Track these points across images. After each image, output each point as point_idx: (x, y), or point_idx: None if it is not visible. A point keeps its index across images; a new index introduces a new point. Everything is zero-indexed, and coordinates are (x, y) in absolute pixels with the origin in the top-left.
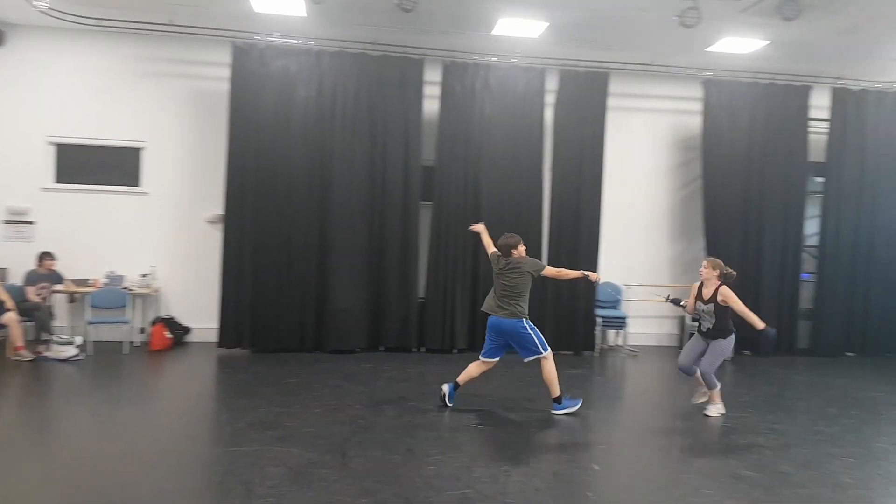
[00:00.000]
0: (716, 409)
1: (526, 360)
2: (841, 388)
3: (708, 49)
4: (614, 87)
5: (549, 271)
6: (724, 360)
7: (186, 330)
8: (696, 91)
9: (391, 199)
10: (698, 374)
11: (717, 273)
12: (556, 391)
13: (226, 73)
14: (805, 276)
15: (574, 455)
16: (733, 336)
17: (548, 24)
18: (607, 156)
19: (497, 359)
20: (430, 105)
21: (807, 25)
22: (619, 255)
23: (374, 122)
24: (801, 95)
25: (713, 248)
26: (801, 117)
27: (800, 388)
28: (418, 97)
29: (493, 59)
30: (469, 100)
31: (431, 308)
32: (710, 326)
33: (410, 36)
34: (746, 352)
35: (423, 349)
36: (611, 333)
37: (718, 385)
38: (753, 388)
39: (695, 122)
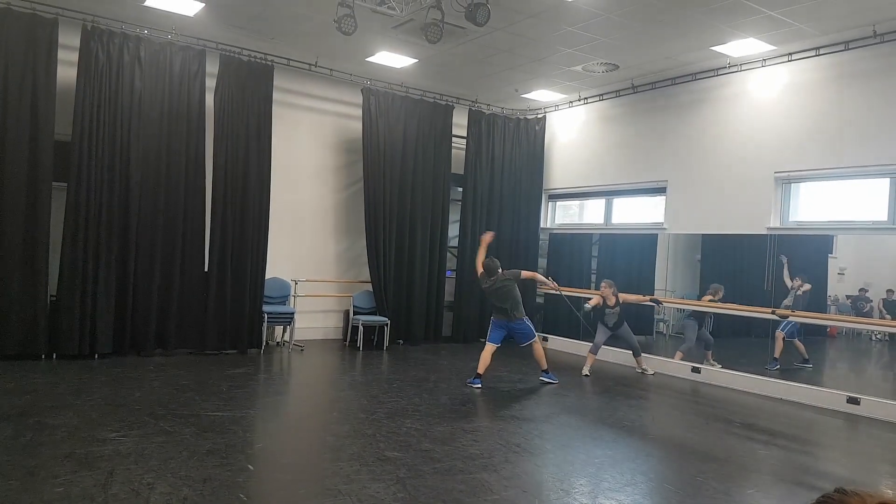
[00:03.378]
0: (645, 364)
1: (522, 345)
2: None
3: (368, 59)
4: (279, 81)
5: (525, 274)
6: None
7: None
8: (357, 97)
9: (13, 176)
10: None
11: (612, 290)
12: (544, 365)
13: None
14: (449, 273)
15: (228, 458)
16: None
17: (203, 4)
18: (274, 150)
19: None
20: (66, 73)
21: (448, 51)
22: (286, 250)
23: None
24: (445, 113)
25: (373, 247)
26: (446, 132)
27: (443, 372)
28: (51, 62)
29: (144, 31)
30: (116, 71)
31: (66, 308)
32: (616, 321)
33: None
34: (400, 341)
35: (55, 356)
36: (278, 329)
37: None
38: (405, 373)
39: (356, 127)
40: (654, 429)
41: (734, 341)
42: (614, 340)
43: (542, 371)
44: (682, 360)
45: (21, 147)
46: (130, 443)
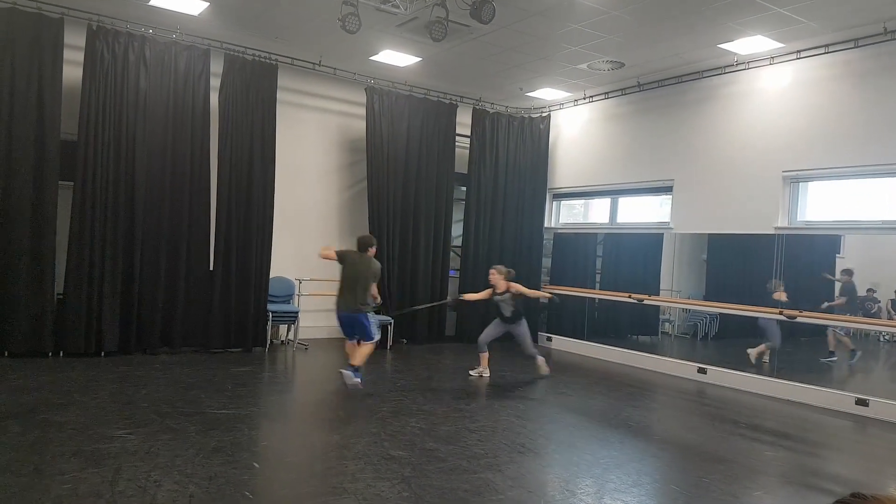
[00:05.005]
0: (546, 367)
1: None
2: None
3: (371, 58)
4: (283, 81)
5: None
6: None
7: None
8: (361, 96)
9: (20, 175)
10: (485, 352)
11: (502, 276)
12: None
13: None
14: (452, 273)
15: (234, 456)
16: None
17: (208, 3)
18: (278, 149)
19: None
20: (72, 72)
21: (452, 49)
22: (291, 249)
23: None
24: (449, 112)
25: (378, 246)
26: (450, 132)
27: (446, 372)
28: (57, 61)
29: (149, 30)
30: (121, 71)
31: (73, 306)
32: (513, 313)
33: None
34: (404, 340)
35: (62, 353)
36: (283, 328)
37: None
38: (408, 374)
39: (360, 126)
40: (659, 430)
41: (740, 342)
42: (508, 340)
43: (351, 366)
44: (759, 356)
45: (28, 146)
46: (137, 440)
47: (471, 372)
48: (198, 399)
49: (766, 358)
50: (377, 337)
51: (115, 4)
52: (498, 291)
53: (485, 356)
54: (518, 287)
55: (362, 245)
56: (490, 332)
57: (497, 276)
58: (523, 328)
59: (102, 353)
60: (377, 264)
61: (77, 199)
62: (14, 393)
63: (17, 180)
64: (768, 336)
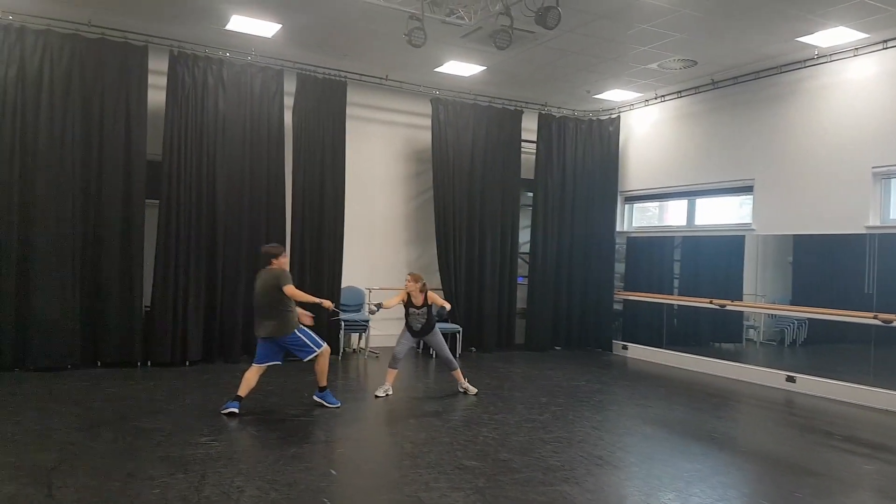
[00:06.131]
0: (467, 383)
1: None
2: (549, 379)
3: (436, 69)
4: (352, 96)
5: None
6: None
7: None
8: (427, 108)
9: (109, 196)
10: (397, 369)
11: (419, 286)
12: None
13: None
14: (520, 280)
15: (312, 463)
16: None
17: (281, 25)
18: (348, 163)
19: None
20: (156, 96)
21: (517, 56)
22: (361, 260)
23: (89, 110)
24: (514, 118)
25: (444, 254)
26: (515, 138)
27: (517, 380)
28: (142, 86)
29: (226, 54)
30: (200, 94)
31: (159, 317)
32: (424, 325)
33: (130, 20)
34: (473, 349)
35: (149, 363)
36: (354, 337)
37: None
38: (478, 382)
39: (426, 137)
40: (746, 441)
41: (830, 349)
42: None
43: (318, 388)
44: None
45: (117, 167)
46: (221, 446)
47: (380, 392)
48: (276, 406)
49: None
50: (318, 350)
51: (194, 30)
52: (415, 305)
53: (393, 373)
54: (434, 297)
55: (263, 259)
56: (403, 348)
57: (413, 286)
58: (437, 337)
59: (187, 363)
60: (274, 273)
61: (162, 216)
62: (106, 401)
63: (108, 200)
64: None
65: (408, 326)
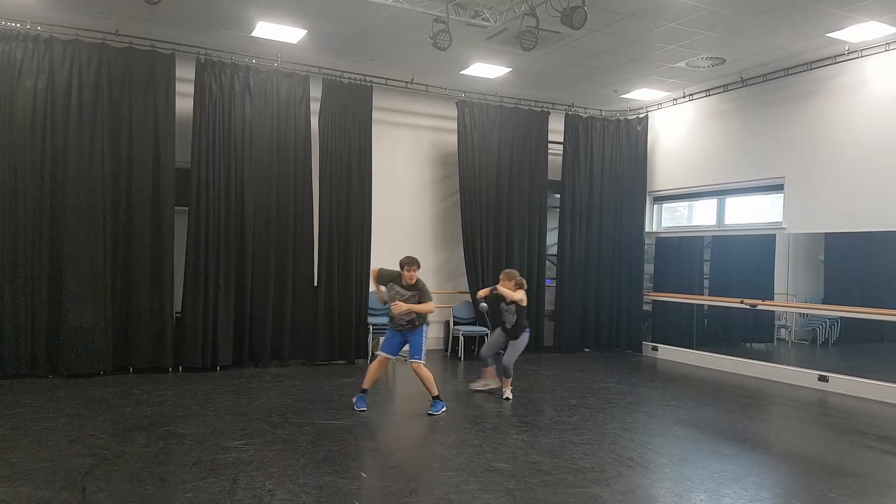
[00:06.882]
0: (509, 392)
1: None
2: (579, 381)
3: (462, 72)
4: (378, 101)
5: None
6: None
7: None
8: (452, 110)
9: (139, 202)
10: (491, 366)
11: (512, 283)
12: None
13: None
14: (548, 282)
15: (342, 465)
16: (528, 332)
17: (306, 31)
18: (374, 167)
19: None
20: (184, 103)
21: (543, 57)
22: (388, 263)
23: (118, 119)
24: (541, 120)
25: (471, 257)
26: (542, 140)
27: (546, 383)
28: (170, 94)
29: (252, 60)
30: (228, 100)
31: (190, 323)
32: (514, 325)
33: (157, 29)
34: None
35: (180, 368)
36: (382, 340)
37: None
38: None
39: (452, 140)
40: (778, 442)
41: (864, 348)
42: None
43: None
44: None
45: (146, 175)
46: (252, 450)
47: (476, 387)
48: (307, 410)
49: None
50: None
51: (220, 37)
52: (506, 301)
53: (490, 370)
54: (506, 292)
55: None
56: (495, 346)
57: (508, 283)
58: (519, 343)
59: (218, 368)
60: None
61: (192, 222)
62: (139, 406)
63: (138, 208)
64: None
65: (501, 323)
